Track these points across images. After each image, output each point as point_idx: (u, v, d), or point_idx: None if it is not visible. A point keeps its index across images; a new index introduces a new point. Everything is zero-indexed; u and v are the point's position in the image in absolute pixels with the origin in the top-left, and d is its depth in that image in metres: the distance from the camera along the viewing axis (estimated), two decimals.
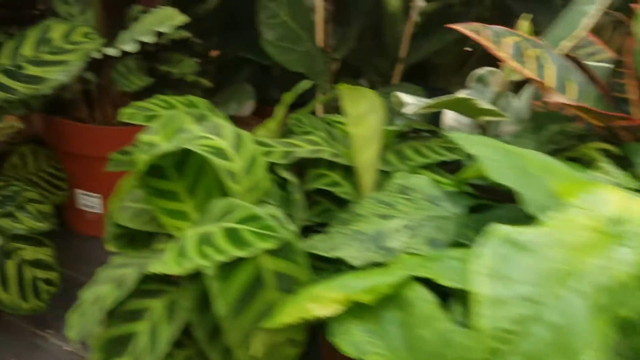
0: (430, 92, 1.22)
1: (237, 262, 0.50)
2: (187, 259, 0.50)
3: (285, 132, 0.82)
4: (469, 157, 0.74)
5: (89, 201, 1.14)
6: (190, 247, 0.51)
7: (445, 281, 0.46)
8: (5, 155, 0.97)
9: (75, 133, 1.02)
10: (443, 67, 1.57)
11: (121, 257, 0.63)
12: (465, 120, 0.93)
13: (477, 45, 1.56)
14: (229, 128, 0.60)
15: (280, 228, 0.50)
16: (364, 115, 0.67)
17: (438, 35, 1.30)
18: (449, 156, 0.71)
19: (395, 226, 0.59)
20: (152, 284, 0.57)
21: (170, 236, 0.67)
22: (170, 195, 0.63)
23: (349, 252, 0.59)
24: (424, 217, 0.60)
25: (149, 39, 0.78)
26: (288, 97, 0.77)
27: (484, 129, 0.90)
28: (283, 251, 0.51)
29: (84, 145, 1.04)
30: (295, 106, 0.82)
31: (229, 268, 0.50)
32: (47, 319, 0.92)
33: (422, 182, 0.65)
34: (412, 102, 0.71)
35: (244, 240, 0.49)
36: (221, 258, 0.48)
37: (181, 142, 0.55)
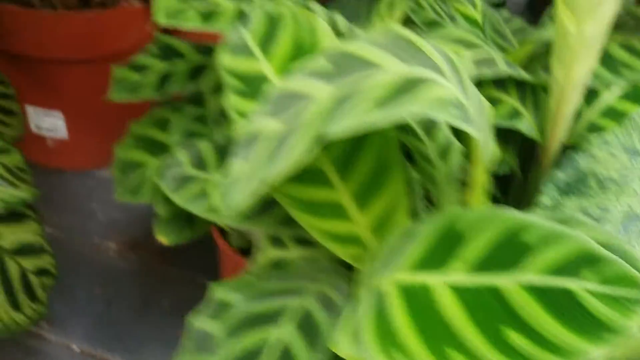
0: None
1: None
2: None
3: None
4: None
5: (47, 122, 0.81)
6: (459, 321, 0.25)
7: None
8: None
9: (21, 24, 0.68)
10: None
11: (225, 291, 0.35)
12: None
13: None
14: (435, 49, 0.31)
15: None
16: (598, 4, 0.39)
17: None
18: None
19: None
20: None
21: (303, 242, 0.40)
22: (307, 173, 0.35)
23: None
24: None
25: None
26: None
27: None
28: None
29: (36, 43, 0.71)
30: None
31: None
32: None
33: None
34: None
35: (592, 316, 0.24)
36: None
37: (393, 103, 0.26)
